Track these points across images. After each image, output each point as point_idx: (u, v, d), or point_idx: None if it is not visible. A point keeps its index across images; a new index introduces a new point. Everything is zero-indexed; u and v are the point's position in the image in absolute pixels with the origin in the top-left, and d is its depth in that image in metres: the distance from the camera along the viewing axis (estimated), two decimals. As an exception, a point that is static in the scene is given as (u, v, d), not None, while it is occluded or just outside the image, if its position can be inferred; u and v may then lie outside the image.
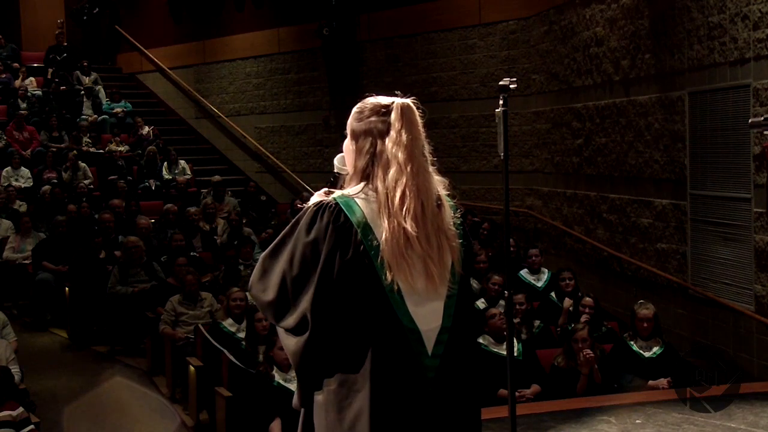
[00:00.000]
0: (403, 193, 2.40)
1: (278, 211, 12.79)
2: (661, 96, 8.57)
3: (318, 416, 2.49)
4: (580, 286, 8.35)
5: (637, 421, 5.04)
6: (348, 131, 2.55)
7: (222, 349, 6.63)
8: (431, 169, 2.51)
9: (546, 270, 8.87)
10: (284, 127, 14.97)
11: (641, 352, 6.40)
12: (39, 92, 15.80)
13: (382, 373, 2.38)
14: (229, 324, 7.13)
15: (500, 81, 4.07)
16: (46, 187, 12.45)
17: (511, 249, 8.24)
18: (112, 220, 10.56)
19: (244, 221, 11.26)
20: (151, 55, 17.50)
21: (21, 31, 18.54)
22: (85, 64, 16.66)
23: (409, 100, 2.50)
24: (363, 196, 2.45)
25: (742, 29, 7.34)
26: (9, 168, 13.10)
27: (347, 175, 2.58)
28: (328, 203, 2.45)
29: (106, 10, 18.06)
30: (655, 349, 6.42)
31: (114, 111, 15.90)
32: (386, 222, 2.39)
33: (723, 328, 7.88)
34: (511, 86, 4.02)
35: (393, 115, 2.46)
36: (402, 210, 2.39)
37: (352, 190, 2.48)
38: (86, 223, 10.93)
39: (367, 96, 2.57)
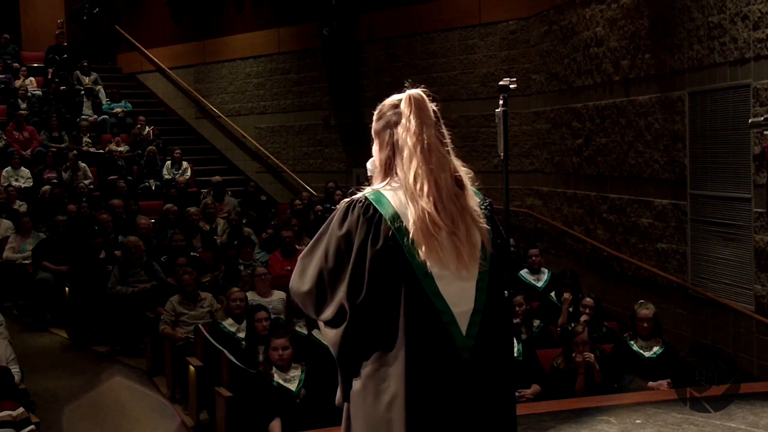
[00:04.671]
0: (416, 174, 2.48)
1: (278, 211, 12.78)
2: (661, 96, 8.57)
3: (355, 403, 2.55)
4: (581, 286, 8.35)
5: (637, 421, 5.04)
6: (373, 134, 2.65)
7: (222, 349, 6.64)
8: (449, 151, 2.58)
9: (546, 270, 8.87)
10: (284, 127, 14.97)
11: (641, 352, 6.40)
12: (39, 92, 15.80)
13: (417, 355, 2.44)
14: (229, 324, 7.13)
15: (500, 81, 4.06)
16: (46, 187, 12.45)
17: (511, 249, 8.24)
18: (109, 220, 10.55)
19: (244, 221, 11.26)
20: (151, 55, 17.50)
21: (21, 31, 18.55)
22: (85, 64, 16.66)
23: (419, 90, 2.59)
24: (389, 187, 2.55)
25: (742, 29, 7.34)
26: (9, 168, 13.11)
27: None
28: (358, 199, 2.55)
29: (106, 10, 18.08)
30: (655, 349, 6.42)
31: (114, 111, 15.91)
32: (412, 205, 2.47)
33: (723, 328, 7.88)
34: (511, 86, 4.02)
35: (402, 105, 2.56)
36: (419, 191, 2.47)
37: (379, 184, 2.58)
38: (86, 223, 10.92)
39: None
